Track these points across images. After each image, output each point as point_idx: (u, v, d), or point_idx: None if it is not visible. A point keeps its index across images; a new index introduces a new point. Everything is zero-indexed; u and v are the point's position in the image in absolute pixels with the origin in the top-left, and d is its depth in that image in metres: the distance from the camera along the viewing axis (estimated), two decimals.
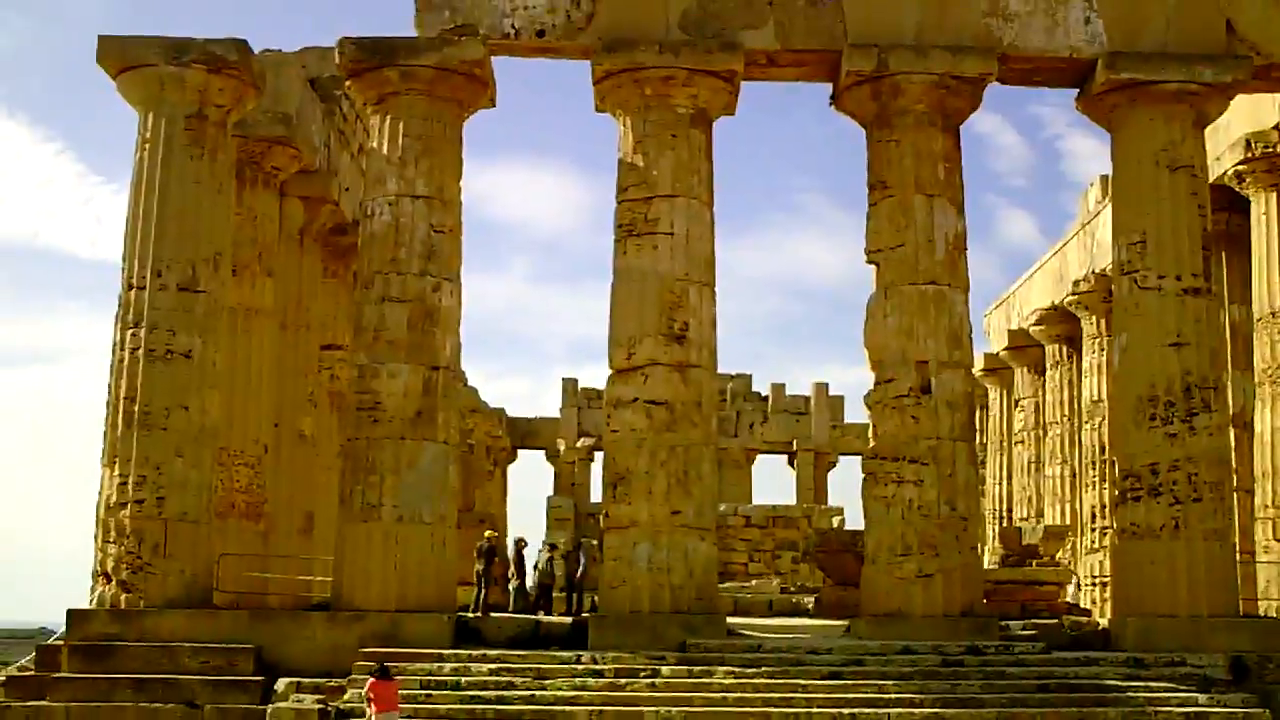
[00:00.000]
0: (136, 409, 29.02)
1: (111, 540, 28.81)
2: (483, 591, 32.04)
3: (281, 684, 25.71)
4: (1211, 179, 34.12)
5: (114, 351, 29.74)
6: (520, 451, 68.86)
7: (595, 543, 34.77)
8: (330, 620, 28.20)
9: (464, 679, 25.64)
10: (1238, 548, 32.71)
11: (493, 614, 31.00)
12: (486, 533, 34.33)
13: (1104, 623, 32.15)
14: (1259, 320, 37.18)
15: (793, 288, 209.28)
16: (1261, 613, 34.33)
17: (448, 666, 26.16)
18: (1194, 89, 30.64)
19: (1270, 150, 35.84)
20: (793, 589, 43.96)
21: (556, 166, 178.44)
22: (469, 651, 26.99)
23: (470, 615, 30.18)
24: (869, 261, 30.81)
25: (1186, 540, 29.33)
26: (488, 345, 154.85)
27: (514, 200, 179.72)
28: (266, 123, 33.91)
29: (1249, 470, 37.38)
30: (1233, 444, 33.13)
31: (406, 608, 28.07)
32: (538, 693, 25.18)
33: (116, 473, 29.02)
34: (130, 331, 29.47)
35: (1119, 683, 26.49)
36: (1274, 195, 36.75)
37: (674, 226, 29.67)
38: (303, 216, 37.82)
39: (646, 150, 30.05)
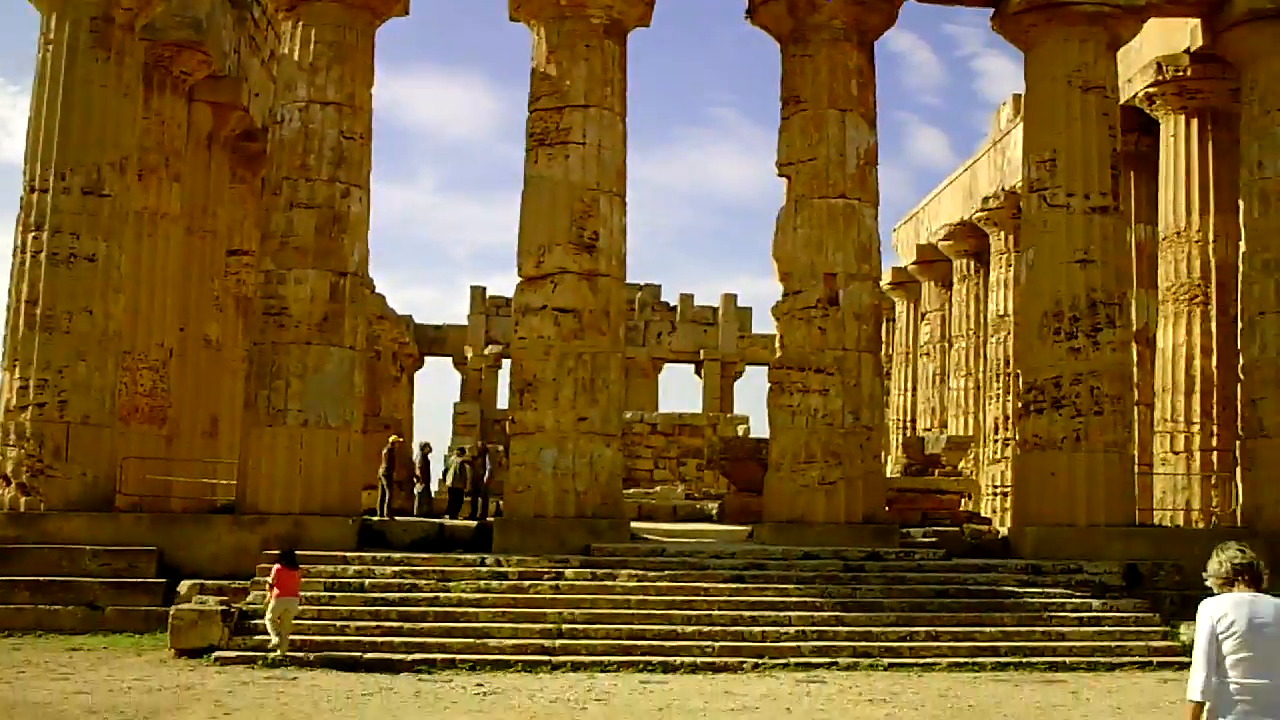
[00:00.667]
0: (38, 312, 28.70)
1: (11, 443, 28.56)
2: (386, 495, 32.12)
3: (184, 586, 25.59)
4: (1122, 100, 34.41)
5: (15, 255, 29.36)
6: (427, 359, 68.85)
7: (501, 449, 34.88)
8: (234, 523, 28.14)
9: (368, 581, 25.68)
10: (1136, 460, 33.25)
11: (398, 518, 31.07)
12: (391, 438, 34.34)
13: (1004, 531, 32.67)
14: (1164, 240, 37.59)
15: (704, 200, 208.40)
16: (1157, 522, 34.95)
17: (352, 569, 26.19)
18: (1108, 11, 30.85)
19: (1180, 74, 36.11)
20: (697, 495, 44.27)
21: (468, 76, 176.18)
22: (373, 554, 27.00)
23: (375, 519, 30.26)
24: (780, 174, 30.92)
25: (1087, 452, 29.79)
26: (396, 253, 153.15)
27: (425, 109, 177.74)
28: (175, 26, 33.46)
29: (1150, 385, 37.92)
30: (1135, 360, 33.62)
31: (311, 511, 28.04)
32: (441, 595, 25.25)
33: (17, 376, 28.75)
34: (32, 235, 29.10)
35: (1016, 589, 26.92)
36: (1183, 118, 37.08)
37: (586, 136, 29.58)
38: (211, 122, 37.41)
39: (560, 60, 29.88)
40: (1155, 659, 23.99)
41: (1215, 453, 35.72)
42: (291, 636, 22.56)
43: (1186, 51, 35.56)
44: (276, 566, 22.88)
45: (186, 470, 33.31)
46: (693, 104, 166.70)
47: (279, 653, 22.20)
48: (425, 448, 37.12)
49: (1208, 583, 8.14)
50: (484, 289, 68.73)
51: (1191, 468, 35.95)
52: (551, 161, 29.53)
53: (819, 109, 30.50)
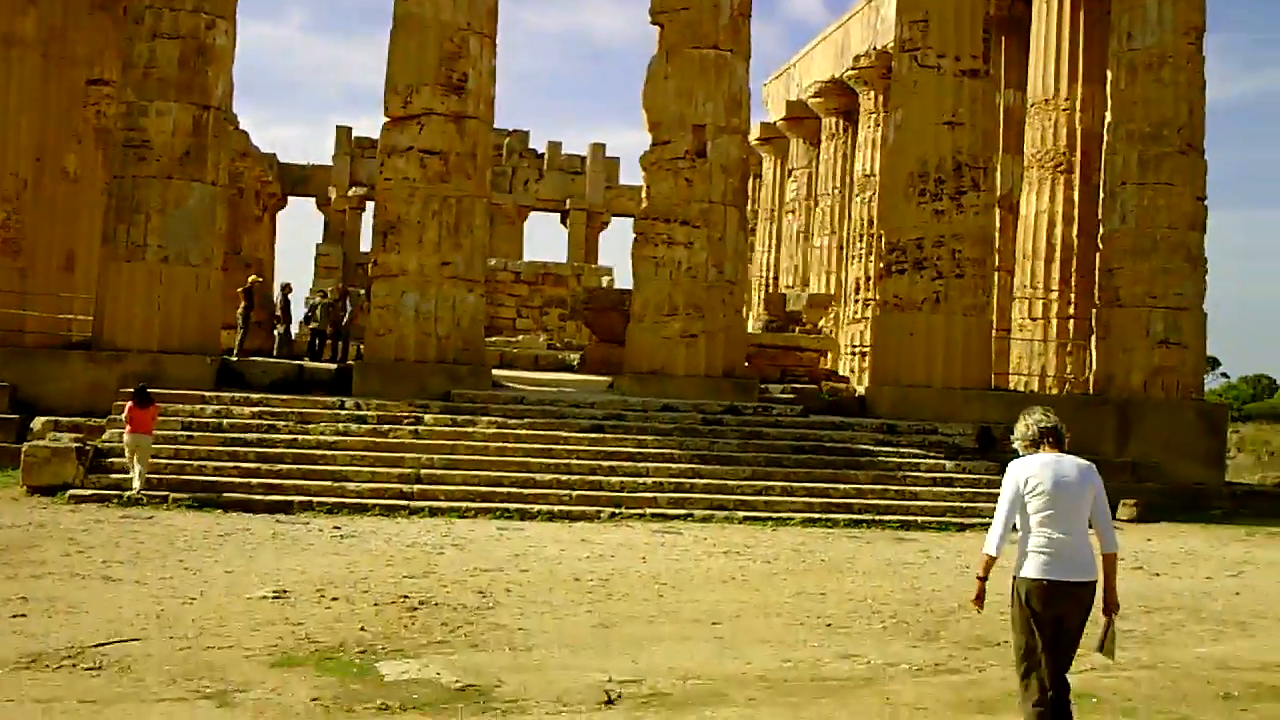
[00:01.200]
0: None
1: None
2: (242, 334, 31.77)
3: (38, 422, 25.25)
4: None
5: None
6: (291, 199, 67.89)
7: (363, 292, 34.58)
8: (90, 360, 27.71)
9: (226, 421, 25.48)
10: (995, 325, 33.69)
11: (258, 359, 30.77)
12: (250, 277, 33.91)
13: (861, 390, 32.97)
14: (1033, 106, 37.84)
15: (576, 46, 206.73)
16: (1013, 387, 35.49)
17: (210, 409, 25.95)
18: None
19: None
20: (559, 345, 44.24)
21: None
22: (232, 394, 26.76)
23: (234, 359, 29.93)
24: (653, 22, 30.67)
25: (946, 314, 30.13)
26: (262, 90, 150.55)
27: None
28: None
29: (1011, 252, 38.35)
30: (998, 225, 33.97)
31: (169, 349, 27.67)
32: (300, 437, 25.14)
33: None
34: None
35: (872, 448, 27.29)
36: None
37: None
38: None
39: None
40: None
41: (1072, 320, 36.31)
42: (149, 476, 22.37)
43: None
44: (129, 404, 22.63)
45: (42, 305, 32.61)
46: None
47: (135, 489, 22.03)
48: (286, 288, 36.73)
49: (1014, 445, 8.44)
50: (350, 129, 67.63)
51: (1049, 334, 36.51)
52: (421, 0, 29.00)
53: None
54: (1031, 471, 8.13)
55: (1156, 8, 31.81)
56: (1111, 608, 8.38)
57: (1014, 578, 8.18)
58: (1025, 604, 8.10)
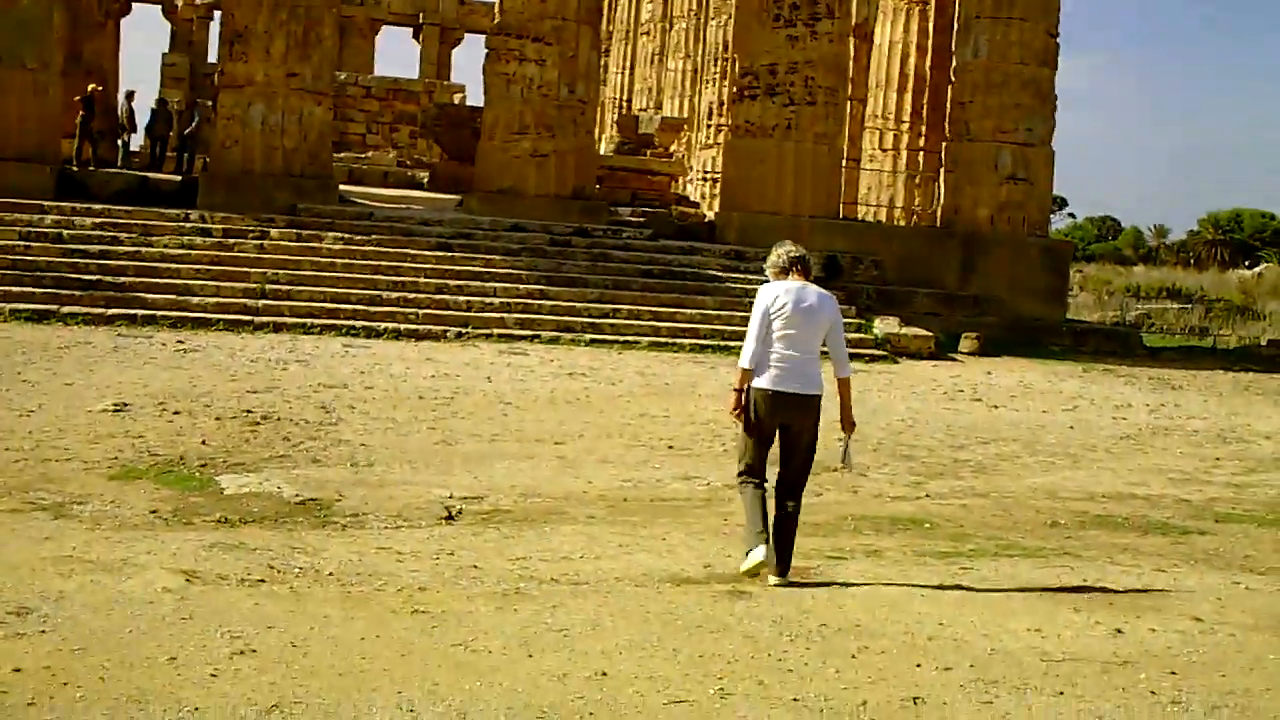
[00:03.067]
0: None
1: None
2: (80, 144, 31.00)
3: None
4: None
5: None
6: (136, 5, 66.03)
7: (210, 103, 33.88)
8: None
9: (66, 232, 24.97)
10: (845, 154, 33.81)
11: (101, 170, 30.10)
12: (90, 85, 33.03)
13: (711, 216, 33.00)
14: None
15: None
16: (861, 217, 35.76)
17: (49, 219, 25.37)
18: None
19: None
20: (409, 163, 43.78)
21: None
22: (73, 205, 26.17)
23: (75, 168, 29.23)
24: None
25: (796, 142, 30.13)
26: None
27: None
28: None
29: (864, 82, 38.41)
30: (851, 54, 33.94)
31: (5, 156, 26.88)
32: (144, 249, 24.72)
33: None
34: None
35: (719, 273, 27.43)
36: None
37: None
38: None
39: None
40: (849, 350, 24.70)
41: (922, 153, 36.58)
42: None
43: None
44: None
45: None
46: None
47: None
48: (129, 96, 35.86)
49: (767, 272, 9.03)
50: None
51: (898, 166, 36.77)
52: None
53: None
54: (777, 294, 8.72)
55: None
56: (847, 425, 9.11)
57: (749, 387, 8.72)
58: (755, 409, 8.69)
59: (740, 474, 8.78)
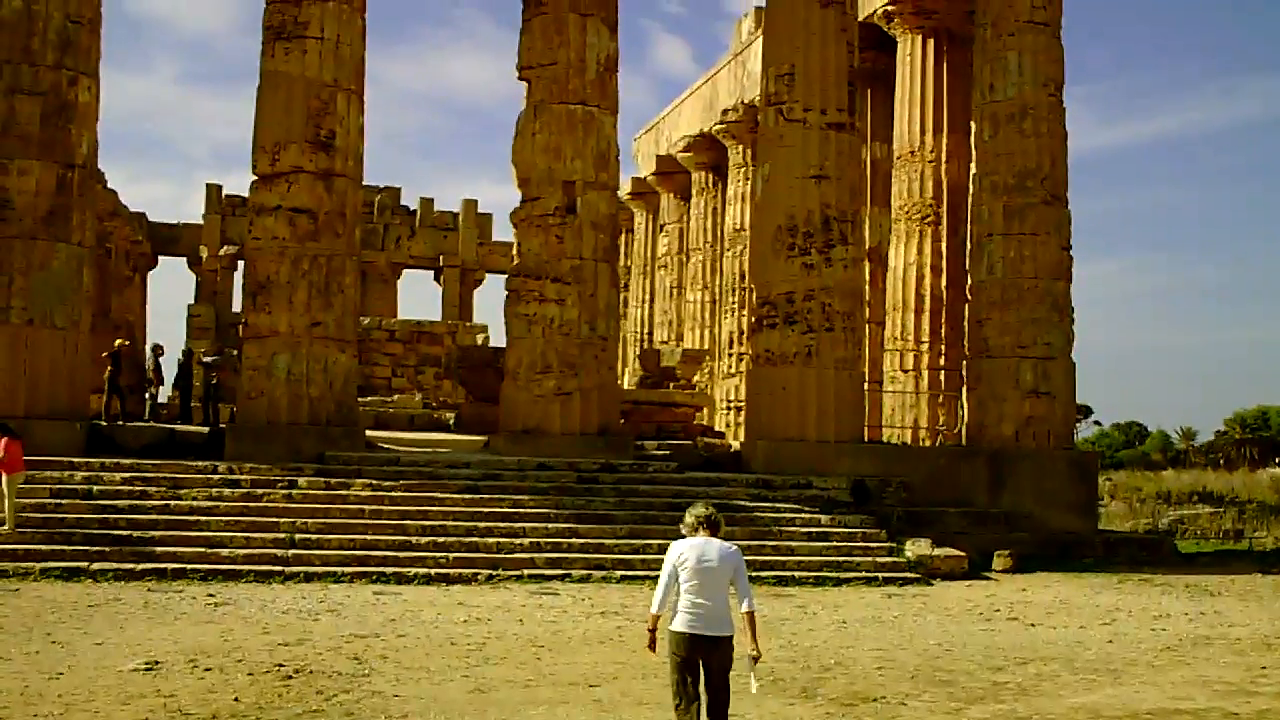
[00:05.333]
0: None
1: None
2: (108, 399, 31.36)
3: None
4: (861, 17, 34.96)
5: None
6: (162, 258, 67.28)
7: (235, 353, 34.24)
8: None
9: (96, 488, 25.08)
10: (867, 377, 33.93)
11: (129, 423, 30.37)
12: (117, 341, 33.45)
13: (736, 445, 33.06)
14: (898, 159, 38.31)
15: (447, 102, 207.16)
16: (885, 439, 35.78)
17: (79, 475, 25.53)
18: None
19: None
20: (435, 405, 44.08)
21: None
22: (102, 460, 26.35)
23: (104, 423, 29.50)
24: (521, 78, 30.72)
25: (818, 368, 30.29)
26: (131, 146, 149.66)
27: None
28: None
29: (881, 304, 38.71)
30: (867, 278, 34.28)
31: (37, 414, 27.15)
32: (173, 502, 24.79)
33: None
34: None
35: (747, 503, 27.34)
36: (920, 38, 37.74)
37: (324, 31, 28.94)
38: None
39: None
40: (881, 574, 24.60)
41: (943, 371, 36.67)
42: (14, 546, 22.05)
43: None
44: (4, 439, 22.53)
45: None
46: (436, 2, 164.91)
47: (7, 529, 21.97)
48: (157, 350, 36.29)
49: (682, 530, 10.56)
50: (220, 187, 67.21)
51: (920, 386, 36.85)
52: (288, 56, 28.86)
53: (560, 12, 30.32)
54: (683, 551, 10.25)
55: (1016, 60, 32.30)
56: (754, 653, 10.35)
57: (668, 630, 10.20)
58: (674, 649, 10.15)
59: (675, 704, 10.16)
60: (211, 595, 20.17)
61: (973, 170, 33.46)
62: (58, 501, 24.36)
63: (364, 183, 30.69)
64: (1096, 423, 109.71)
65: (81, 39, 28.46)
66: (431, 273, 69.87)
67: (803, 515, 27.11)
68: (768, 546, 25.39)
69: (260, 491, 25.44)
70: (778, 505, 27.42)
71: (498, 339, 44.90)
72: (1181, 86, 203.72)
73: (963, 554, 26.43)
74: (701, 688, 10.13)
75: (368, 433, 30.48)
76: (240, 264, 56.43)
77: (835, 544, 25.98)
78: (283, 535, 23.82)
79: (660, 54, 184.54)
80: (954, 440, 34.83)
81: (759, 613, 14.77)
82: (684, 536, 10.46)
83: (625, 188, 54.86)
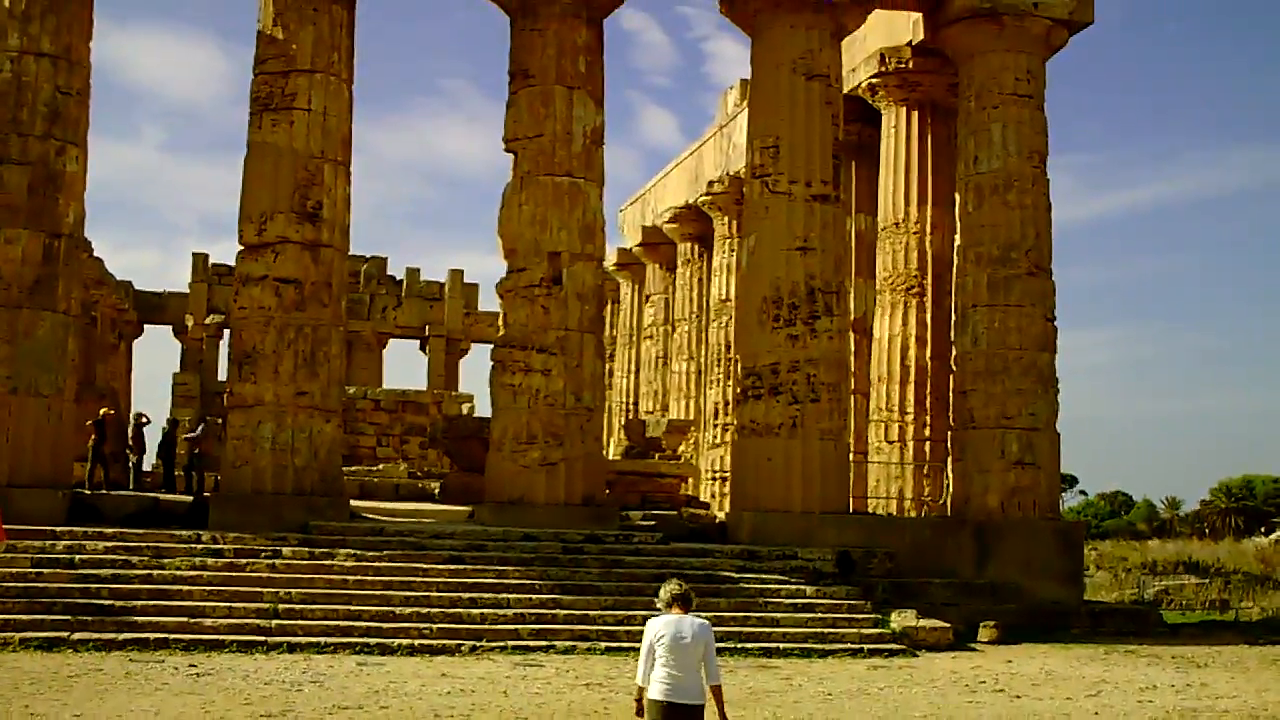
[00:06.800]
0: None
1: None
2: (92, 467, 31.30)
3: None
4: (846, 90, 35.13)
5: None
6: (147, 326, 67.36)
7: (220, 421, 34.20)
8: None
9: (79, 557, 24.97)
10: (852, 448, 33.92)
11: (112, 492, 30.30)
12: (101, 409, 33.41)
13: (722, 516, 33.02)
14: (883, 230, 38.42)
15: (433, 173, 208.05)
16: (871, 510, 35.73)
17: (61, 544, 25.41)
18: (834, 0, 31.40)
19: (903, 66, 36.89)
20: (420, 474, 43.96)
21: (196, 33, 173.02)
22: (84, 529, 26.24)
23: (87, 491, 29.42)
24: (507, 150, 30.87)
25: (803, 439, 30.32)
26: (116, 215, 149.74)
27: (149, 66, 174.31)
28: None
29: (866, 375, 38.74)
30: (852, 349, 34.34)
31: (19, 483, 27.09)
32: (156, 571, 24.68)
33: None
34: None
35: (733, 574, 27.27)
36: (904, 110, 37.92)
37: (311, 103, 29.11)
38: None
39: (287, 23, 29.32)
40: (866, 645, 24.51)
41: (928, 442, 36.65)
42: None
43: (909, 44, 36.33)
44: None
45: None
46: (423, 74, 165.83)
47: None
48: (140, 418, 36.20)
49: (657, 605, 11.46)
50: (206, 256, 67.25)
51: (905, 457, 36.82)
52: (276, 127, 29.01)
53: (547, 85, 30.52)
54: (658, 627, 11.13)
55: (1000, 132, 32.49)
56: None
57: (647, 699, 11.06)
58: (653, 717, 10.99)
59: None
60: (194, 665, 20.07)
61: (957, 241, 33.56)
62: (39, 571, 24.23)
63: (350, 252, 30.82)
64: (1082, 492, 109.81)
65: (70, 110, 28.54)
66: (417, 342, 69.93)
67: (788, 586, 27.04)
68: (752, 618, 25.31)
69: (244, 561, 25.34)
70: (763, 576, 27.35)
71: (483, 409, 44.87)
72: (1164, 158, 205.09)
73: (948, 625, 26.37)
74: None
75: (352, 502, 30.42)
76: (226, 332, 56.47)
77: (820, 615, 25.91)
78: (266, 605, 23.71)
79: (646, 125, 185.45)
80: (939, 511, 34.78)
81: (745, 685, 14.74)
82: (660, 611, 11.33)
83: (611, 258, 55.00)
